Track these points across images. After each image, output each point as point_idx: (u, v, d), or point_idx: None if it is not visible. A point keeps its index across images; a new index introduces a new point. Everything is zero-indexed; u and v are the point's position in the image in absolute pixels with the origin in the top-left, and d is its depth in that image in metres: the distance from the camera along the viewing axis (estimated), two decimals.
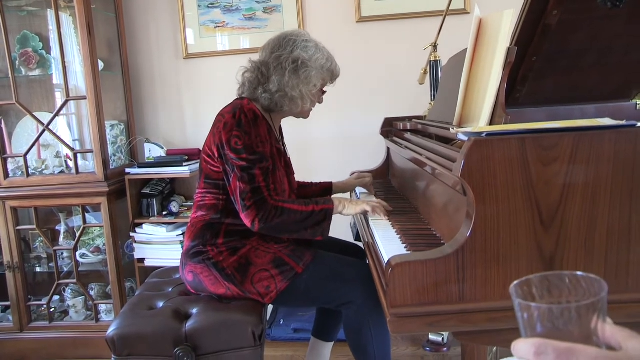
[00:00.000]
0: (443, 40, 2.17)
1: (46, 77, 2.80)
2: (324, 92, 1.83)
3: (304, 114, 1.84)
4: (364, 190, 2.12)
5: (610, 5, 1.29)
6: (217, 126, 1.65)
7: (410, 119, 2.15)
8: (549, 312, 0.48)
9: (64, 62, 2.53)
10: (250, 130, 1.60)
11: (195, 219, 1.73)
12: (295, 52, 1.71)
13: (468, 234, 1.02)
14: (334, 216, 1.67)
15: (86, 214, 2.67)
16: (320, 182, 2.10)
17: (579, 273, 0.51)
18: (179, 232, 2.60)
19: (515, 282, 0.52)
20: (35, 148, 2.67)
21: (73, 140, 2.80)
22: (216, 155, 1.65)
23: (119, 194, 2.66)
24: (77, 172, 2.60)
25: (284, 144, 1.90)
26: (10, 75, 2.57)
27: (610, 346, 0.49)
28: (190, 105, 2.96)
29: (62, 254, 2.80)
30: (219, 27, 2.86)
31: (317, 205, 1.63)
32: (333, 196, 1.86)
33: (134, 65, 2.95)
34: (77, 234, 2.67)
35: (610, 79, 1.59)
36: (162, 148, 2.81)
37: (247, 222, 1.60)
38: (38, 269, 2.87)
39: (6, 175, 2.64)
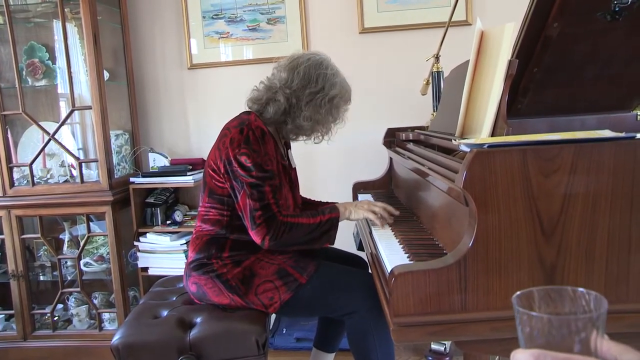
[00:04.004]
0: (445, 51, 2.19)
1: (52, 87, 2.83)
2: None
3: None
4: (367, 195, 2.13)
5: (610, 18, 1.31)
6: (222, 141, 1.65)
7: (412, 129, 2.16)
8: (549, 323, 0.49)
9: (69, 72, 2.56)
10: (259, 148, 1.61)
11: (200, 232, 1.73)
12: (329, 90, 1.71)
13: (470, 244, 1.03)
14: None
15: (90, 223, 2.69)
16: (326, 203, 2.06)
17: (580, 289, 0.52)
18: (183, 241, 2.61)
19: (518, 293, 0.53)
20: (40, 157, 2.69)
21: (78, 150, 2.83)
22: (222, 171, 1.64)
23: (123, 203, 2.67)
24: (82, 181, 2.62)
25: (289, 158, 1.91)
26: (17, 85, 2.60)
27: None
28: (194, 115, 2.99)
29: (66, 262, 2.81)
30: (222, 37, 2.88)
31: (323, 215, 1.65)
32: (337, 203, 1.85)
33: (138, 75, 2.98)
34: (81, 243, 2.68)
35: (611, 90, 1.60)
36: (166, 157, 2.83)
37: (257, 239, 1.61)
38: (42, 278, 2.89)
39: (12, 184, 2.66)
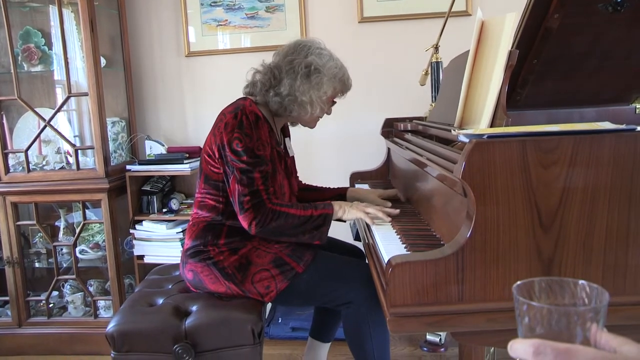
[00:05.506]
0: (445, 41, 2.17)
1: (48, 73, 2.80)
2: (333, 103, 1.84)
3: (311, 123, 1.84)
4: (365, 186, 2.12)
5: (611, 10, 1.30)
6: (218, 126, 1.65)
7: (410, 119, 2.15)
8: (549, 314, 0.49)
9: (66, 58, 2.53)
10: (252, 132, 1.60)
11: (197, 219, 1.73)
12: (309, 57, 1.71)
13: (468, 235, 1.03)
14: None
15: (86, 210, 2.68)
16: (335, 188, 2.06)
17: (581, 281, 0.52)
18: (179, 229, 2.60)
19: (519, 283, 0.52)
20: (36, 144, 2.67)
21: (74, 137, 2.81)
22: (216, 155, 1.65)
23: (119, 190, 2.66)
24: (78, 168, 2.60)
25: (286, 145, 1.90)
26: (12, 71, 2.57)
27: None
28: (192, 103, 2.97)
29: (62, 249, 2.81)
30: (220, 25, 2.86)
31: (315, 209, 1.64)
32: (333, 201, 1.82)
33: (135, 63, 2.95)
34: (77, 230, 2.67)
35: (611, 82, 1.59)
36: (163, 145, 2.82)
37: (244, 224, 1.61)
38: (37, 265, 2.88)
39: (7, 170, 2.64)
